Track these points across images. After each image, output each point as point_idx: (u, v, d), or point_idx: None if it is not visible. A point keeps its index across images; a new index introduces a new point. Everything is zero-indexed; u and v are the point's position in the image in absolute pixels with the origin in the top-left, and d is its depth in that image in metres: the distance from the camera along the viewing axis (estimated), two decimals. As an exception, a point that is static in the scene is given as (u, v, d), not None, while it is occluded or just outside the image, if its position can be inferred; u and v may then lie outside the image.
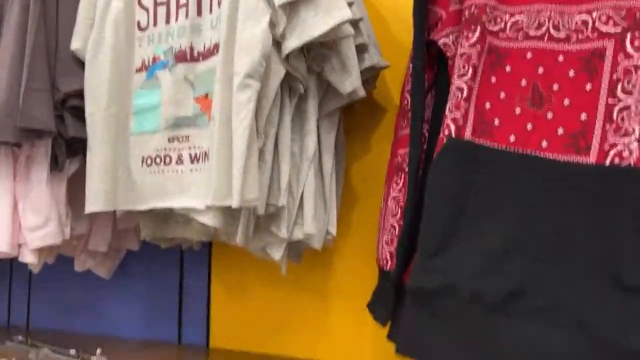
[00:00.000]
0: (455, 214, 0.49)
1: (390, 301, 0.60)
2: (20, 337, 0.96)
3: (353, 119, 0.83)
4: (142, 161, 0.70)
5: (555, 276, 0.45)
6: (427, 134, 0.62)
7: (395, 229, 0.61)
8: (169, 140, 0.68)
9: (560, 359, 0.42)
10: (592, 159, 0.47)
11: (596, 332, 0.42)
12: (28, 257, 0.76)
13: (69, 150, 0.75)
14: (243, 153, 0.57)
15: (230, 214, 0.63)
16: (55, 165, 0.75)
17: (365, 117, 0.83)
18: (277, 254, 0.67)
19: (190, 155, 0.66)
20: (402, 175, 0.62)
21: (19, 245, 0.76)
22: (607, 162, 0.46)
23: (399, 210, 0.61)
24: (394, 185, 0.63)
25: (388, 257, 0.62)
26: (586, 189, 0.46)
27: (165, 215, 0.77)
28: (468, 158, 0.51)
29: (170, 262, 0.96)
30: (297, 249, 0.74)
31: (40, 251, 0.77)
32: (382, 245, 0.63)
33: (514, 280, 0.46)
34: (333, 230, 0.71)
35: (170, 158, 0.68)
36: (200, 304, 0.93)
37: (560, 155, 0.49)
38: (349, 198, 0.83)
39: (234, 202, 0.57)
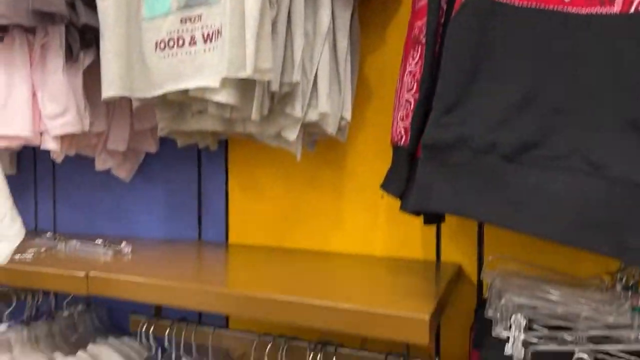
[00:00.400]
0: (472, 70, 0.49)
1: (404, 174, 0.60)
2: (49, 234, 1.01)
3: (368, 13, 0.81)
4: (156, 46, 0.70)
5: (572, 126, 0.45)
6: (444, 7, 0.60)
7: (410, 104, 0.61)
8: (181, 21, 0.67)
9: (575, 200, 0.43)
10: (616, 8, 0.46)
11: (610, 172, 0.42)
12: (50, 144, 0.78)
13: (82, 40, 0.75)
14: (256, 20, 0.56)
15: (244, 90, 0.63)
16: (70, 55, 0.75)
17: (380, 13, 0.81)
18: (291, 135, 0.68)
19: (203, 35, 0.66)
20: (419, 48, 0.61)
21: (41, 134, 0.78)
22: (632, 10, 0.45)
23: (415, 84, 0.60)
24: (410, 59, 0.62)
25: (402, 132, 0.62)
26: (609, 37, 0.45)
27: (181, 107, 0.77)
28: (487, 14, 0.50)
29: (188, 164, 0.98)
30: (311, 135, 0.74)
31: (61, 139, 0.79)
32: (397, 122, 0.63)
33: (530, 131, 0.46)
34: (347, 115, 0.71)
35: (183, 40, 0.67)
36: (218, 202, 0.96)
37: (584, 8, 0.48)
38: (363, 92, 0.82)
39: (248, 70, 0.57)
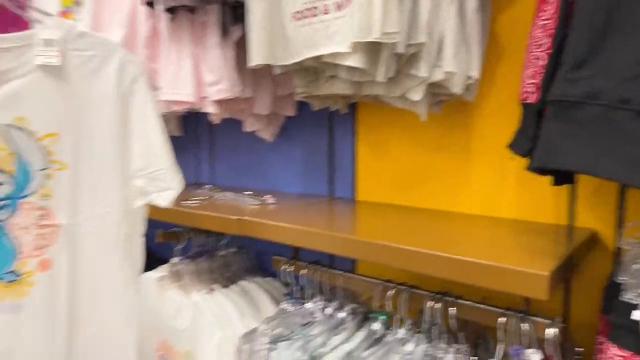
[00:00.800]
0: (605, 22, 0.46)
1: (532, 133, 0.60)
2: (208, 186, 1.19)
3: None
4: (293, 17, 0.77)
5: None
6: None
7: (538, 60, 0.59)
8: (315, -8, 0.74)
9: None
10: None
11: None
12: (209, 108, 0.92)
13: (234, 15, 0.86)
14: (383, -13, 0.60)
15: (372, 54, 0.68)
16: (224, 30, 0.87)
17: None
18: (416, 95, 0.71)
19: (334, 3, 0.71)
20: (552, 1, 0.58)
21: (202, 99, 0.93)
22: None
23: (545, 40, 0.59)
24: (542, 13, 0.60)
25: (531, 89, 0.61)
26: None
27: (315, 73, 0.85)
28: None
29: (321, 126, 1.06)
30: (437, 96, 0.76)
31: (218, 104, 0.93)
32: (526, 79, 0.62)
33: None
34: (475, 73, 0.71)
35: (317, 10, 0.74)
36: (347, 162, 1.03)
37: None
38: (494, 50, 0.81)
39: (375, 33, 0.61)
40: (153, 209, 1.01)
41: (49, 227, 0.83)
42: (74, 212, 0.84)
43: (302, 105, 1.05)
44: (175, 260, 1.10)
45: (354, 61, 0.68)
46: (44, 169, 0.82)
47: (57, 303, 0.83)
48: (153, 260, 1.30)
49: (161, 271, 1.11)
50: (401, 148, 0.95)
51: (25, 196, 0.82)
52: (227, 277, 1.11)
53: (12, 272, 0.82)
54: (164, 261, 1.13)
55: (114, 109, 0.84)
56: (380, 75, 0.68)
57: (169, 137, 1.36)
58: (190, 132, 1.36)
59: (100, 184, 0.86)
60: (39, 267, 0.83)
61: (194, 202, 1.00)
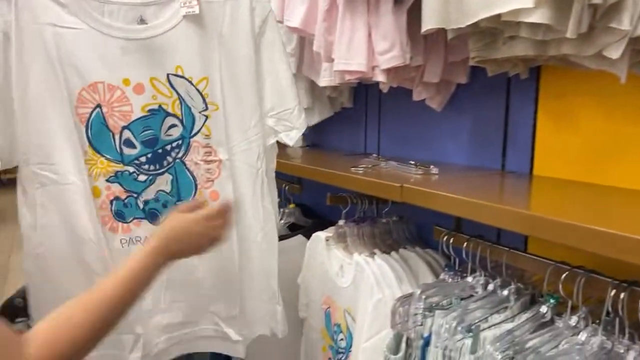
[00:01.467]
0: None
1: None
2: (374, 155, 1.23)
3: None
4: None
5: None
6: None
7: None
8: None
9: None
10: None
11: None
12: (379, 77, 0.94)
13: (408, -19, 0.86)
14: None
15: (559, 7, 0.60)
16: (397, -3, 0.87)
17: None
18: (615, 53, 0.61)
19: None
20: None
21: (373, 68, 0.95)
22: None
23: None
24: None
25: None
26: None
27: (492, 35, 0.79)
28: None
29: (496, 94, 0.99)
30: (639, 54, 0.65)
31: (388, 72, 0.94)
32: None
33: None
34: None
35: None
36: (525, 133, 0.95)
37: None
38: None
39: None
40: (325, 173, 1.08)
41: (213, 162, 0.96)
42: (229, 147, 0.95)
43: (475, 72, 0.99)
44: (341, 222, 1.17)
45: (540, 17, 0.62)
46: (202, 111, 0.94)
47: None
48: (324, 221, 1.40)
49: (329, 232, 1.19)
50: (592, 117, 0.83)
51: (193, 135, 0.95)
52: (387, 244, 1.13)
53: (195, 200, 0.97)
54: (332, 223, 1.22)
55: (249, 49, 0.91)
56: (571, 31, 0.61)
57: (341, 109, 1.45)
58: (359, 103, 1.41)
59: (243, 122, 0.95)
60: (210, 197, 0.97)
61: (360, 169, 1.05)
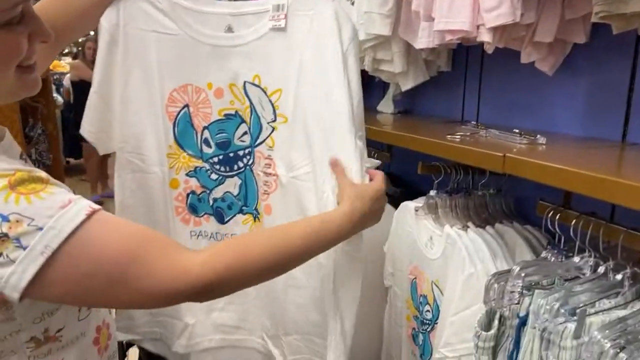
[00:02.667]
0: None
1: None
2: (473, 122, 1.15)
3: None
4: None
5: None
6: None
7: None
8: None
9: None
10: None
11: None
12: (485, 36, 0.87)
13: None
14: None
15: None
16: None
17: None
18: None
19: None
20: None
21: (477, 27, 0.87)
22: None
23: None
24: None
25: None
26: None
27: (624, -15, 0.69)
28: None
29: (621, 54, 0.87)
30: None
31: (494, 31, 0.86)
32: None
33: None
34: None
35: None
36: (654, 100, 0.83)
37: None
38: None
39: None
40: (418, 140, 1.04)
41: (271, 176, 0.95)
42: (290, 164, 0.91)
43: (595, 30, 0.88)
44: (432, 193, 1.12)
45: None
46: (271, 121, 0.94)
47: None
48: (412, 191, 1.37)
49: (418, 202, 1.16)
50: None
51: (257, 145, 0.95)
52: (482, 218, 1.07)
53: (256, 209, 0.99)
54: (421, 193, 1.18)
55: (331, 66, 0.84)
56: None
57: (437, 73, 1.37)
58: (459, 66, 1.32)
59: (309, 139, 0.88)
60: (264, 211, 0.97)
61: (457, 136, 0.99)
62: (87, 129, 0.92)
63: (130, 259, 0.55)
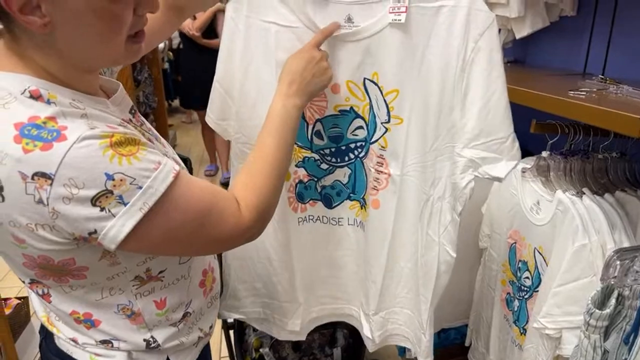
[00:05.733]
0: None
1: None
2: (598, 76, 1.02)
3: None
4: None
5: None
6: None
7: None
8: None
9: None
10: None
11: None
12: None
13: None
14: None
15: None
16: None
17: None
18: None
19: None
20: None
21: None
22: None
23: None
24: None
25: None
26: None
27: None
28: None
29: None
30: None
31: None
32: None
33: None
34: None
35: None
36: None
37: None
38: None
39: None
40: (532, 96, 0.94)
41: (382, 174, 0.92)
42: (403, 164, 0.89)
43: None
44: (544, 154, 1.03)
45: None
46: (384, 122, 0.88)
47: (381, 237, 0.95)
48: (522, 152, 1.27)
49: (526, 162, 1.07)
50: None
51: (372, 142, 0.91)
52: (601, 184, 0.97)
53: (363, 199, 0.96)
54: (529, 153, 1.09)
55: (455, 67, 0.78)
56: None
57: (558, 18, 1.22)
58: (585, 10, 1.16)
59: (424, 143, 0.86)
60: (371, 204, 0.95)
61: (582, 93, 0.88)
62: (211, 116, 0.94)
63: (207, 210, 0.61)
